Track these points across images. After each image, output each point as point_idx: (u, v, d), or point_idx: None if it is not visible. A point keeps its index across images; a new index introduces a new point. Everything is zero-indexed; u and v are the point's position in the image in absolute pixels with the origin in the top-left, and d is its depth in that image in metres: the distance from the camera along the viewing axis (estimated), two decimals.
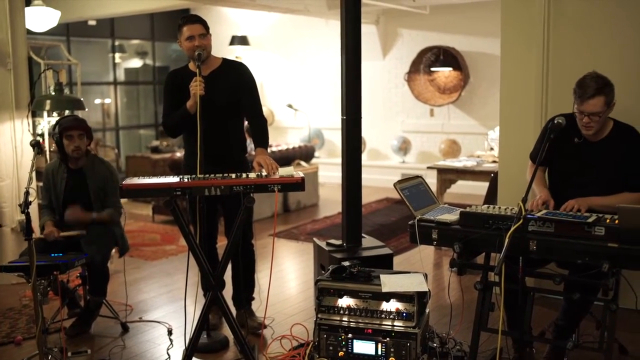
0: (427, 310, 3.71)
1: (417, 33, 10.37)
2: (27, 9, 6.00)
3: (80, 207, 4.43)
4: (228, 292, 4.50)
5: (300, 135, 11.38)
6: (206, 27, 4.13)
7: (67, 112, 6.39)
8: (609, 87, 3.47)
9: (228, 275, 4.35)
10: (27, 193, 3.54)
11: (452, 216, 3.48)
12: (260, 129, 4.23)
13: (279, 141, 10.92)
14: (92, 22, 10.89)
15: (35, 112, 6.04)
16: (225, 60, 4.31)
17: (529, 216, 3.16)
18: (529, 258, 3.23)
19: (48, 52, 7.23)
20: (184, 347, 3.87)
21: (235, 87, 4.21)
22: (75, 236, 4.42)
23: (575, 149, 3.65)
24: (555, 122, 3.34)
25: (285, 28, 11.48)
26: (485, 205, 3.52)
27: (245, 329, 4.27)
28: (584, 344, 3.65)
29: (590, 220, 3.09)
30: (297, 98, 11.56)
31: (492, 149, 7.10)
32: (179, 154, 8.89)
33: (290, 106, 11.48)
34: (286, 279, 5.78)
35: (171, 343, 4.23)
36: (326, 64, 11.03)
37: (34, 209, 4.66)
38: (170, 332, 4.37)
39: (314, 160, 9.95)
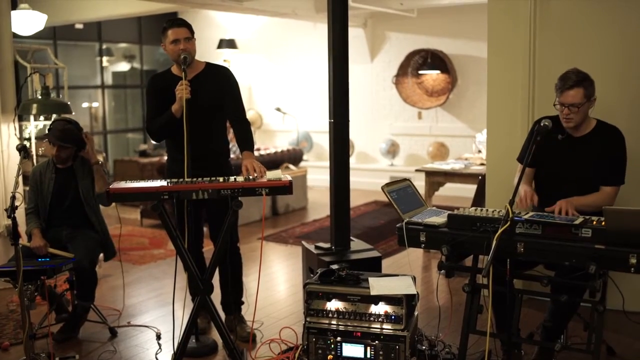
0: (415, 313, 3.72)
1: (405, 36, 10.40)
2: (13, 13, 5.97)
3: (45, 241, 4.35)
4: (217, 297, 4.49)
5: (288, 139, 11.38)
6: (191, 30, 4.12)
7: (54, 116, 6.37)
8: (589, 81, 3.62)
9: (217, 280, 4.34)
10: (13, 197, 3.53)
11: (440, 219, 3.49)
12: (245, 133, 4.22)
13: (267, 144, 10.91)
14: (79, 26, 10.85)
15: (21, 116, 6.00)
16: (208, 64, 4.30)
17: (516, 218, 3.17)
18: (516, 260, 3.24)
19: (34, 55, 7.18)
20: (172, 352, 3.86)
21: (218, 91, 4.20)
22: (64, 256, 4.35)
23: (559, 145, 3.75)
24: (542, 124, 3.36)
25: (273, 31, 11.48)
26: (473, 208, 3.53)
27: (234, 333, 4.26)
28: (572, 345, 3.66)
29: (577, 222, 3.11)
30: (285, 101, 11.55)
31: (479, 151, 7.13)
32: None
33: (278, 109, 11.48)
34: (275, 283, 5.77)
35: (160, 348, 4.21)
36: (314, 67, 11.03)
37: (20, 214, 4.62)
38: (158, 337, 4.36)
39: (302, 164, 9.95)
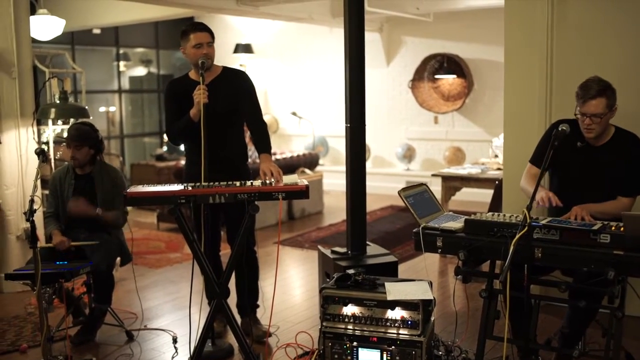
0: (432, 319, 3.70)
1: (421, 40, 10.38)
2: (32, 18, 6.03)
3: (85, 200, 4.42)
4: (232, 300, 4.50)
5: (304, 143, 11.39)
6: (212, 35, 4.16)
7: (72, 121, 6.42)
8: (611, 90, 3.55)
9: (232, 283, 4.35)
10: (32, 201, 3.55)
11: (456, 224, 3.47)
12: (261, 134, 4.24)
13: (283, 149, 10.92)
14: (96, 31, 10.94)
15: (40, 121, 6.05)
16: (225, 68, 4.32)
17: (534, 223, 3.15)
18: (534, 266, 3.22)
19: (53, 60, 7.24)
20: (189, 356, 3.87)
21: (235, 95, 4.22)
22: (87, 245, 4.41)
23: (578, 153, 3.69)
24: (560, 129, 3.34)
25: (290, 36, 11.50)
26: (490, 213, 3.51)
27: (250, 337, 4.26)
28: (590, 352, 3.64)
29: (595, 227, 3.08)
30: (301, 106, 11.57)
31: (496, 156, 7.10)
32: (184, 161, 8.90)
33: (294, 114, 11.49)
34: (291, 287, 5.77)
35: (176, 351, 4.23)
36: (330, 72, 11.04)
37: (38, 217, 4.66)
38: (175, 340, 4.37)
39: (318, 168, 9.95)
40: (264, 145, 4.20)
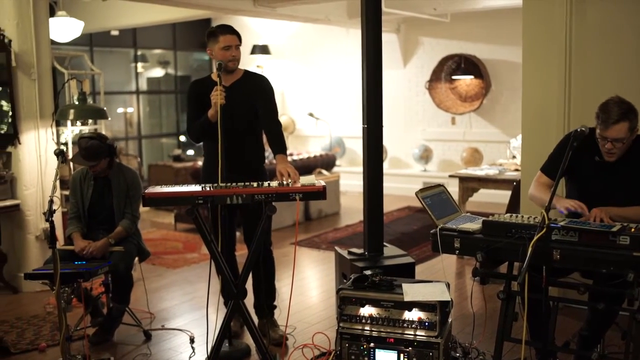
0: (449, 320, 3.69)
1: (438, 41, 10.35)
2: (51, 20, 6.08)
3: (87, 240, 4.41)
4: (250, 301, 4.51)
5: (321, 144, 11.39)
6: (240, 38, 4.20)
7: (90, 121, 6.46)
8: (633, 112, 3.38)
9: (249, 284, 4.36)
10: (51, 201, 3.58)
11: (474, 225, 3.46)
12: (277, 135, 4.25)
13: (300, 150, 10.93)
14: (114, 32, 11.01)
15: (59, 122, 6.10)
16: (246, 71, 4.36)
17: (552, 225, 3.13)
18: (552, 267, 3.19)
19: (72, 62, 7.30)
20: (206, 356, 3.89)
21: (255, 98, 4.25)
22: (114, 236, 4.45)
23: (595, 167, 3.56)
24: (579, 130, 3.31)
25: (306, 37, 11.51)
26: (508, 214, 3.49)
27: (267, 338, 4.27)
28: (609, 354, 3.61)
29: (614, 229, 3.05)
30: (318, 107, 11.57)
31: (514, 157, 7.06)
32: (201, 162, 8.94)
33: (311, 115, 11.50)
34: (307, 288, 5.78)
35: (193, 351, 4.25)
36: (347, 73, 11.04)
37: (57, 217, 4.70)
38: (192, 340, 4.39)
39: (335, 169, 9.95)
40: (279, 146, 4.21)
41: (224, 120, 3.94)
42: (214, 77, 4.23)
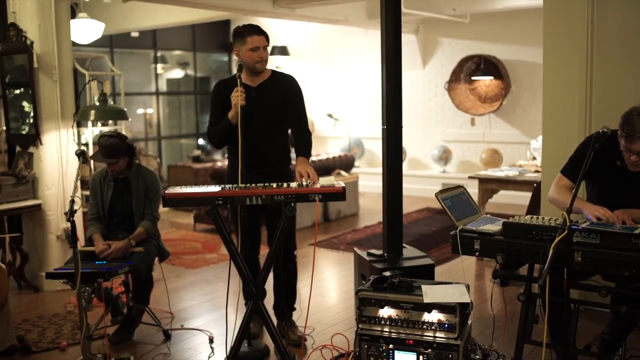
0: (469, 322, 3.67)
1: (458, 42, 10.31)
2: (72, 22, 6.13)
3: (108, 242, 4.43)
4: (269, 301, 4.52)
5: (340, 145, 11.39)
6: (268, 39, 4.15)
7: (110, 122, 6.51)
8: None
9: (270, 285, 4.37)
10: (72, 201, 3.61)
11: (494, 226, 3.44)
12: (304, 142, 4.25)
13: (319, 151, 10.93)
14: (134, 34, 11.08)
15: (80, 122, 6.15)
16: (274, 72, 4.31)
17: (573, 227, 3.10)
18: (573, 269, 3.17)
19: (92, 63, 7.36)
20: (225, 356, 3.89)
21: (282, 99, 4.21)
22: (134, 236, 4.48)
23: (617, 172, 3.50)
24: (601, 131, 3.27)
25: (325, 38, 11.52)
26: (529, 216, 3.47)
27: (286, 339, 4.27)
28: (631, 358, 3.57)
29: (637, 231, 3.02)
30: (337, 108, 11.57)
31: (534, 158, 7.01)
32: (220, 163, 8.98)
33: (330, 116, 11.50)
34: (326, 289, 5.77)
35: (212, 351, 4.26)
36: (366, 74, 11.03)
37: (78, 217, 4.73)
38: (211, 340, 4.40)
39: (354, 170, 9.95)
40: (304, 151, 4.20)
41: (250, 122, 3.94)
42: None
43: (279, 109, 4.21)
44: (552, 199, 3.67)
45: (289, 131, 4.38)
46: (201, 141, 12.45)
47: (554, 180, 3.73)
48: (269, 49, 4.25)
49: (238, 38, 4.11)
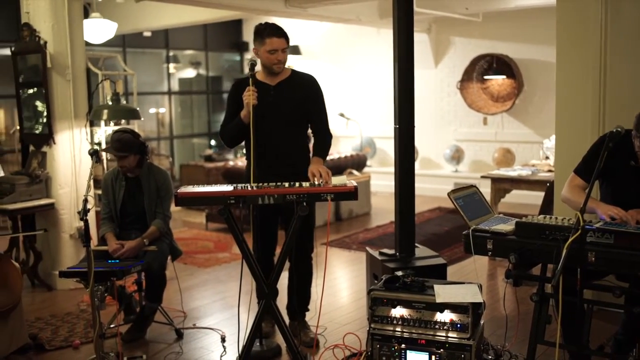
0: (481, 322, 3.66)
1: (470, 41, 10.28)
2: (85, 22, 6.15)
3: (121, 241, 4.44)
4: (283, 301, 4.52)
5: (352, 144, 11.38)
6: (288, 40, 4.11)
7: (123, 122, 6.54)
8: None
9: (283, 285, 4.37)
10: (85, 201, 3.62)
11: (507, 226, 3.43)
12: (322, 143, 4.23)
13: (330, 150, 10.90)
14: (147, 34, 11.12)
15: (93, 122, 6.18)
16: (294, 71, 4.29)
17: (587, 227, 3.08)
18: (587, 270, 3.15)
19: (105, 63, 7.40)
20: (237, 355, 3.90)
21: (302, 99, 4.19)
22: (147, 235, 4.49)
23: (631, 172, 3.48)
24: (615, 130, 3.26)
25: (337, 37, 11.51)
26: (542, 216, 3.45)
27: (298, 339, 4.27)
28: None
29: None
30: (348, 107, 11.56)
31: (547, 157, 6.98)
32: (232, 162, 8.99)
33: (342, 115, 11.49)
34: (338, 288, 5.77)
35: (224, 350, 4.27)
36: (378, 73, 11.01)
37: (91, 217, 4.75)
38: (223, 339, 4.41)
39: (365, 169, 9.93)
40: (320, 152, 4.18)
41: (269, 121, 3.94)
42: (259, 76, 4.19)
43: (297, 109, 4.18)
44: (565, 199, 3.65)
45: (308, 131, 4.36)
46: (213, 142, 12.47)
47: (567, 180, 3.71)
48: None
49: (258, 37, 4.07)
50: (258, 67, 4.08)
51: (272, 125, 4.04)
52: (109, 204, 4.63)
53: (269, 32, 4.03)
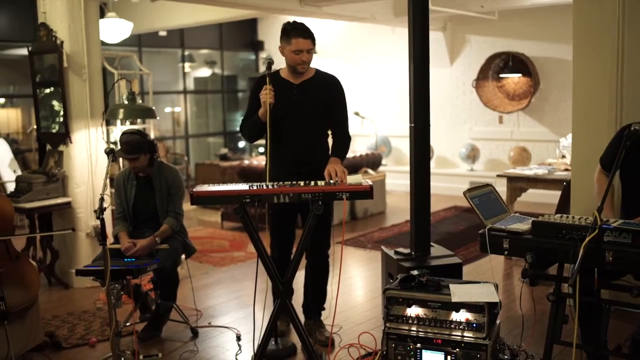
0: (497, 322, 3.65)
1: (485, 39, 10.23)
2: (101, 21, 6.19)
3: (133, 240, 4.46)
4: (298, 300, 4.52)
5: (367, 143, 11.36)
6: (314, 41, 4.10)
7: (138, 121, 6.57)
8: None
9: (300, 283, 4.37)
10: (101, 199, 3.64)
11: (523, 225, 3.41)
12: (342, 144, 4.22)
13: None
14: (162, 33, 11.16)
15: (109, 121, 6.21)
16: (318, 71, 4.28)
17: (604, 226, 3.06)
18: (604, 269, 3.13)
19: (121, 62, 7.42)
20: (252, 353, 3.91)
21: (324, 99, 4.18)
22: (158, 234, 4.50)
23: None
24: (632, 129, 3.24)
25: (352, 36, 11.50)
26: (558, 215, 3.43)
27: (313, 338, 4.27)
28: None
29: None
30: (364, 106, 11.54)
31: (564, 156, 6.93)
32: (247, 161, 9.00)
33: (357, 114, 11.47)
34: (353, 287, 5.76)
35: (240, 349, 4.27)
36: (392, 72, 10.99)
37: (107, 215, 4.78)
38: (239, 338, 4.41)
39: (381, 168, 9.92)
40: (339, 152, 4.17)
41: (291, 119, 3.94)
42: (283, 73, 4.19)
43: (319, 109, 4.17)
44: (598, 194, 3.63)
45: (328, 131, 4.35)
46: (241, 144, 12.50)
47: (595, 175, 3.76)
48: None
49: (284, 36, 4.06)
50: (275, 66, 4.08)
51: (294, 123, 4.04)
52: (122, 204, 4.65)
53: (296, 32, 4.02)
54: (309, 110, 4.13)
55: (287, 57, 4.07)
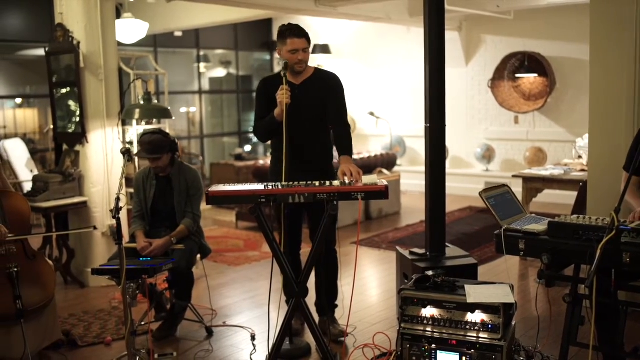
0: (513, 323, 3.63)
1: (501, 39, 10.19)
2: (117, 22, 6.22)
3: (149, 240, 4.47)
4: (311, 299, 4.52)
5: (381, 143, 11.35)
6: (309, 41, 4.17)
7: (154, 121, 6.59)
8: None
9: (311, 282, 4.37)
10: (117, 199, 3.65)
11: (540, 226, 3.39)
12: (344, 136, 4.24)
13: (360, 149, 10.91)
14: (178, 33, 11.20)
15: (125, 121, 6.24)
16: (317, 69, 4.34)
17: (622, 227, 3.03)
18: (621, 271, 3.10)
19: (137, 62, 7.46)
20: (267, 353, 3.91)
21: (324, 97, 4.24)
22: (175, 235, 4.51)
23: None
24: None
25: (367, 36, 11.49)
26: (575, 216, 3.41)
27: (327, 336, 4.27)
28: None
29: None
30: (378, 106, 11.53)
31: (580, 157, 6.89)
32: (262, 161, 9.02)
33: (372, 114, 11.47)
34: (368, 288, 5.76)
35: (254, 348, 4.28)
36: (408, 72, 10.96)
37: (123, 215, 4.80)
38: (253, 338, 4.41)
39: (395, 168, 9.90)
40: (345, 147, 4.20)
41: (293, 119, 3.96)
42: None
43: (320, 107, 4.24)
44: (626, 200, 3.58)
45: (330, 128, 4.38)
46: (247, 148, 12.51)
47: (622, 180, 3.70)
48: (311, 48, 4.25)
49: (280, 38, 4.16)
50: (277, 68, 4.11)
51: (295, 122, 4.05)
52: (140, 203, 4.67)
53: (290, 32, 4.12)
54: (310, 109, 4.20)
55: (284, 57, 4.14)
